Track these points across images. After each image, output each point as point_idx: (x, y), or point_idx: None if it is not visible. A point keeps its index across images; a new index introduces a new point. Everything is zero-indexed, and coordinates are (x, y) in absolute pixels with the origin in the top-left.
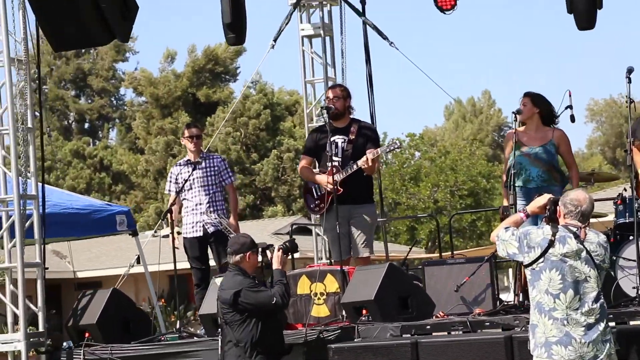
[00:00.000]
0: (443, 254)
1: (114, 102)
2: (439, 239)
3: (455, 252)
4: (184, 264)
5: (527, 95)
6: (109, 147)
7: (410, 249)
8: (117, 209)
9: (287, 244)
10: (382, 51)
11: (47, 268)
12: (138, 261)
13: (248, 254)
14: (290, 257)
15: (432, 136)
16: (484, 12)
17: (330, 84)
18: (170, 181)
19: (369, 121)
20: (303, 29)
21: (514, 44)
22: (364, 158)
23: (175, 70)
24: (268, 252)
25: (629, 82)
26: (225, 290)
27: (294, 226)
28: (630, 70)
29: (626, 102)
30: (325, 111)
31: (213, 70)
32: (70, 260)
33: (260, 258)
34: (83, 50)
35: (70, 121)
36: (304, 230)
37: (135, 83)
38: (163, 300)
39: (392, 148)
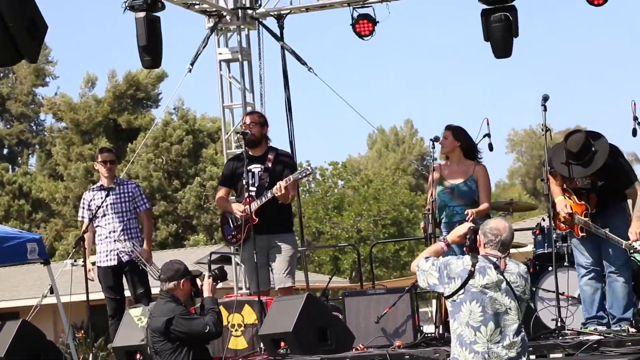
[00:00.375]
0: (365, 284)
1: (34, 127)
2: (360, 268)
3: (377, 282)
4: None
5: (449, 128)
6: (29, 174)
7: (330, 278)
8: (28, 237)
9: (216, 271)
10: (302, 77)
11: None
12: (52, 291)
13: (182, 281)
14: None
15: (355, 165)
16: (403, 38)
17: (249, 109)
18: (83, 207)
19: (288, 148)
20: (221, 53)
21: (435, 72)
22: (277, 185)
23: (96, 95)
24: (198, 280)
25: (545, 110)
26: (156, 317)
27: (213, 255)
28: (545, 98)
29: (542, 130)
30: (242, 137)
31: (134, 95)
32: None
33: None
34: (1, 74)
35: None
36: (225, 260)
37: (55, 108)
38: (82, 331)
39: (304, 174)
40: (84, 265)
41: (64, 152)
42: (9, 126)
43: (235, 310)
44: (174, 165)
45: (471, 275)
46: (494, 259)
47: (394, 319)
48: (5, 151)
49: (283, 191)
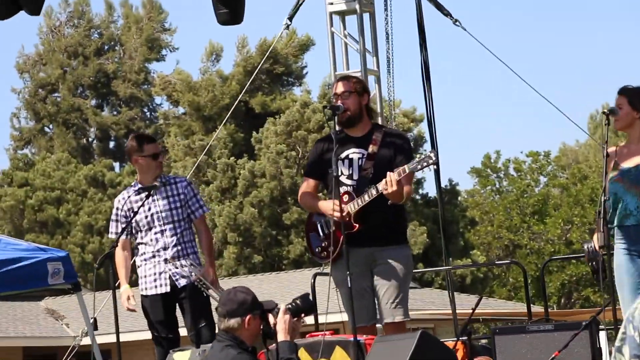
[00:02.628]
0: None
1: (147, 113)
2: (527, 293)
3: (552, 311)
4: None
5: (623, 93)
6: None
7: (477, 304)
8: (50, 255)
9: (297, 302)
10: (445, 31)
11: None
12: (95, 327)
13: (248, 317)
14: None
15: (571, 155)
16: None
17: (371, 79)
18: (117, 220)
19: (428, 130)
20: (332, 3)
21: None
22: (386, 179)
23: (222, 71)
24: (271, 315)
25: None
26: None
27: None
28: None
29: None
30: (330, 112)
31: (271, 70)
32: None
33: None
34: (106, 47)
35: (89, 139)
36: None
37: (169, 89)
38: None
39: (424, 164)
40: (112, 292)
41: (181, 145)
42: (115, 112)
43: (323, 356)
44: None
45: None
46: None
47: None
48: (111, 144)
49: (394, 187)
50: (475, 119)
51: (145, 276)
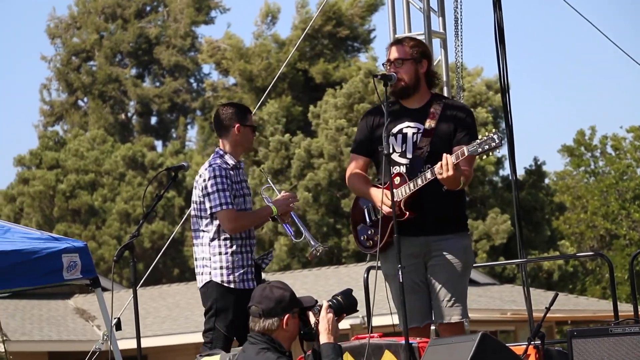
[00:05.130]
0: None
1: (194, 84)
2: (613, 291)
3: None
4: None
5: None
6: (182, 153)
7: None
8: (64, 246)
9: (340, 298)
10: None
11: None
12: (118, 326)
13: (286, 317)
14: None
15: None
16: None
17: (436, 42)
18: (226, 189)
19: (502, 101)
20: None
21: None
22: (442, 162)
23: (278, 35)
24: (311, 314)
25: None
26: None
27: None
28: None
29: None
30: (381, 82)
31: (335, 34)
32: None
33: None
34: (148, 8)
35: (128, 114)
36: None
37: (217, 55)
38: None
39: (486, 147)
40: (134, 292)
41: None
42: (158, 84)
43: (371, 358)
44: None
45: None
46: None
47: None
48: (153, 120)
49: (450, 172)
50: (566, 90)
51: (233, 267)
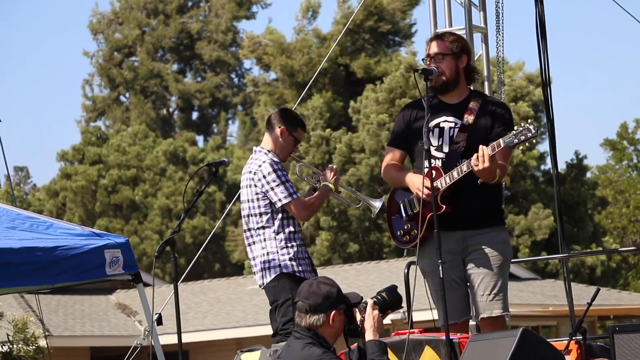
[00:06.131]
0: None
1: (235, 80)
2: None
3: None
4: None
5: None
6: (223, 148)
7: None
8: (105, 241)
9: (384, 295)
10: None
11: None
12: (159, 322)
13: (333, 313)
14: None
15: None
16: None
17: (477, 37)
18: (287, 181)
19: (543, 95)
20: None
21: None
22: (478, 154)
23: (319, 30)
24: (357, 310)
25: None
26: None
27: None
28: None
29: None
30: (422, 77)
31: (376, 28)
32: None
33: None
34: (190, 4)
35: (170, 109)
36: None
37: (259, 51)
38: None
39: (522, 138)
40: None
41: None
42: (199, 79)
43: (410, 356)
44: None
45: None
46: None
47: None
48: (194, 115)
49: (486, 164)
50: (609, 82)
51: (300, 258)
